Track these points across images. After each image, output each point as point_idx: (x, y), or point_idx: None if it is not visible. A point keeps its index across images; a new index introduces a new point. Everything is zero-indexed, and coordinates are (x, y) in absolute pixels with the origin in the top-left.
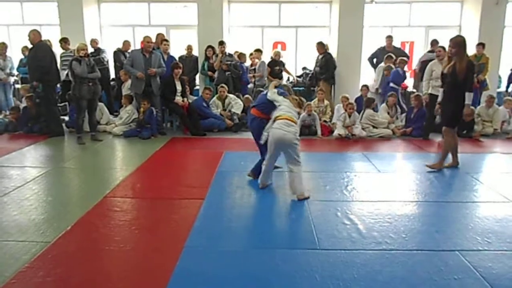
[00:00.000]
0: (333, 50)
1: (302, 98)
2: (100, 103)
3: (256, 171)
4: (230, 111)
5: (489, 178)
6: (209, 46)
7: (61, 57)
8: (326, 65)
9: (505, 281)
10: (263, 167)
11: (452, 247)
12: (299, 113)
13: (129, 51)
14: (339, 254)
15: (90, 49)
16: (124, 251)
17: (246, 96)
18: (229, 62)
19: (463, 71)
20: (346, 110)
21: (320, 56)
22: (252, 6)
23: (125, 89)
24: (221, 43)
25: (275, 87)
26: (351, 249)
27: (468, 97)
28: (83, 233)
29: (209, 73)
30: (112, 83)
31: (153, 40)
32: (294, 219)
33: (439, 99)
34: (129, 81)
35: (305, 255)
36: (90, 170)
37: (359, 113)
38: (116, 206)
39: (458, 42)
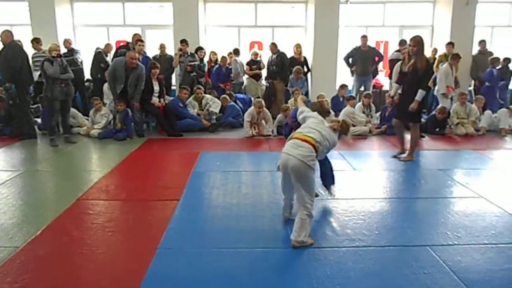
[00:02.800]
0: (309, 50)
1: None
2: (72, 109)
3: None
4: (208, 110)
5: (461, 174)
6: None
7: (32, 57)
8: (282, 64)
9: (472, 274)
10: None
11: (423, 243)
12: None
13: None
14: (312, 252)
15: (64, 50)
16: (96, 254)
17: (223, 96)
18: (192, 63)
19: (423, 69)
20: None
21: (275, 56)
22: (228, 6)
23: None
24: (183, 42)
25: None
26: (324, 247)
27: (420, 94)
28: (54, 237)
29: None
30: (86, 84)
31: (130, 40)
32: (269, 218)
33: (392, 93)
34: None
35: (279, 254)
36: (63, 172)
37: (335, 112)
38: (89, 208)
39: (419, 41)
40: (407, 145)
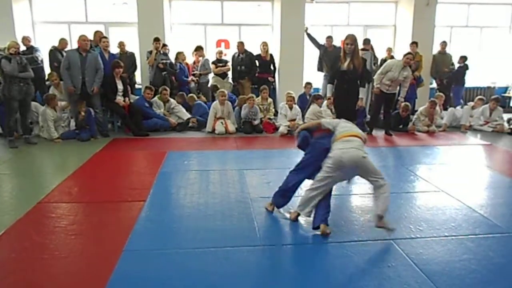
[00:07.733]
0: (276, 48)
1: None
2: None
3: (277, 199)
4: (190, 118)
5: (422, 169)
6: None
7: None
8: (251, 64)
9: (433, 265)
10: (307, 192)
11: (387, 237)
12: None
13: (66, 49)
14: (280, 249)
15: (23, 47)
16: (58, 258)
17: (190, 95)
18: (164, 61)
19: (361, 66)
20: (286, 103)
21: (243, 56)
22: (194, 3)
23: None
24: (156, 40)
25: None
26: (292, 244)
27: (363, 91)
28: (13, 243)
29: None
30: (47, 82)
31: (91, 38)
32: (237, 217)
33: (329, 94)
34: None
35: (247, 252)
36: (22, 175)
37: (302, 110)
38: (51, 212)
39: (355, 39)
40: None
